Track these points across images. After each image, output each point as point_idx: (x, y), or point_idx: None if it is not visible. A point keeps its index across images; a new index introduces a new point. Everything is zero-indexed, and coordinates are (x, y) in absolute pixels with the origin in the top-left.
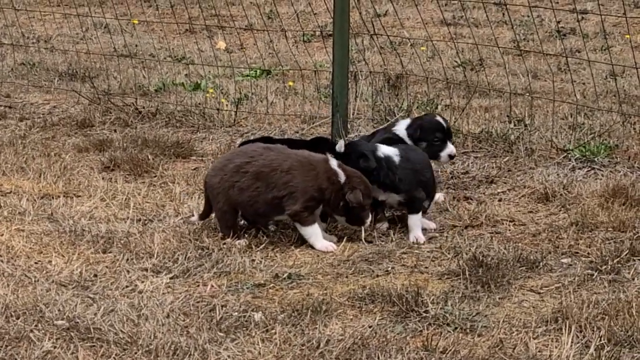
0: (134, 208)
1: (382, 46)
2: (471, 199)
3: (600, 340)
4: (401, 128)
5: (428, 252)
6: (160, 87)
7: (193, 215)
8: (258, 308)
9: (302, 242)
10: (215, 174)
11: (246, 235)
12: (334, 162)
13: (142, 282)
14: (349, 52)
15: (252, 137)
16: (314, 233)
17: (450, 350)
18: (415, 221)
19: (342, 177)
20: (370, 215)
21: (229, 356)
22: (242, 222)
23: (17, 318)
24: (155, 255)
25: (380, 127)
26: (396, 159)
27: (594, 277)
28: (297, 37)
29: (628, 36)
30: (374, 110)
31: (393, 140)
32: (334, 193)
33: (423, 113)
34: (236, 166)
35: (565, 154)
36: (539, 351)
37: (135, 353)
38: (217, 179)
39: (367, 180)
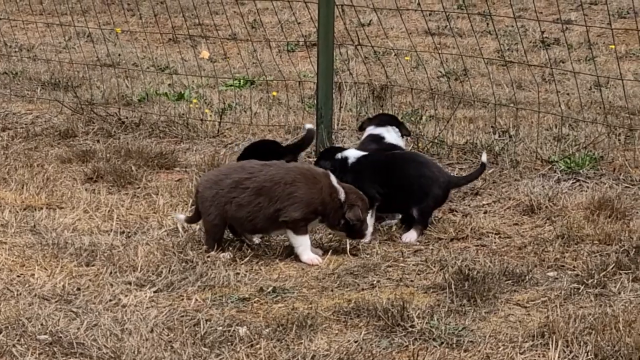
0: (117, 220)
1: (367, 56)
2: (456, 211)
3: (587, 355)
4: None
5: (414, 265)
6: (144, 97)
7: (181, 215)
8: (243, 322)
9: (287, 255)
10: (210, 187)
11: (230, 248)
12: (334, 179)
13: (126, 295)
14: (333, 63)
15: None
16: (304, 244)
17: None
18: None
19: (342, 195)
20: (370, 227)
21: None
22: (228, 234)
23: (0, 333)
24: (139, 269)
25: None
26: (351, 161)
27: (580, 291)
28: (281, 46)
29: (612, 46)
30: (358, 121)
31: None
32: (334, 210)
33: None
34: (234, 182)
35: (551, 166)
36: None
37: None
38: (212, 192)
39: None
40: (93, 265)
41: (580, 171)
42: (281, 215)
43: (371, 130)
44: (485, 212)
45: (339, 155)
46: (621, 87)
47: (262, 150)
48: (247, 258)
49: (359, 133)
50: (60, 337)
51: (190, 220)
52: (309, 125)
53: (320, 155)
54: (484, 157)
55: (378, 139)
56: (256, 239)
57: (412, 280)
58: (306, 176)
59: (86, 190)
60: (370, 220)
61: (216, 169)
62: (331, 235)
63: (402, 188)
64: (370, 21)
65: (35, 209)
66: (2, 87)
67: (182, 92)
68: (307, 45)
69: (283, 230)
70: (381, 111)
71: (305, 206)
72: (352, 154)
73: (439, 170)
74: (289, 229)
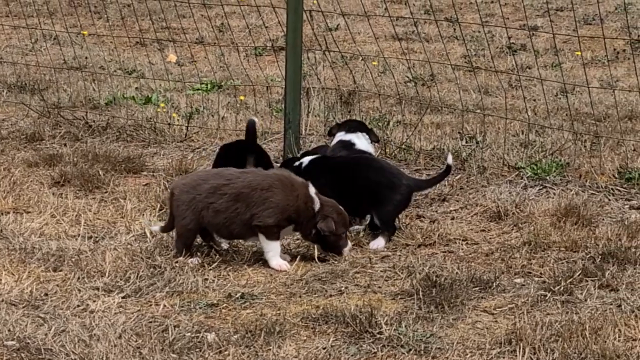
0: (84, 225)
1: (334, 61)
2: (424, 217)
3: None
4: None
5: (381, 271)
6: (111, 100)
7: (155, 225)
8: (211, 328)
9: (255, 260)
10: (187, 191)
11: (199, 254)
12: (312, 189)
13: (94, 301)
14: (301, 67)
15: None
16: (274, 250)
17: None
18: None
19: (317, 205)
20: (349, 244)
21: None
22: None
23: None
24: (106, 274)
25: None
26: (304, 164)
27: (547, 297)
28: (248, 50)
29: (578, 53)
30: (326, 127)
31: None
32: (307, 219)
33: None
34: (212, 187)
35: (518, 172)
36: None
37: None
38: (189, 196)
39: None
40: (61, 271)
41: (547, 177)
42: (255, 219)
43: (341, 136)
44: (452, 219)
45: (297, 162)
46: (587, 94)
47: (232, 152)
48: (216, 264)
49: (328, 138)
50: (28, 343)
51: (165, 229)
52: (253, 118)
53: (282, 164)
54: (450, 159)
55: (348, 145)
56: (224, 245)
57: (379, 287)
58: (283, 183)
59: (53, 194)
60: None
61: (193, 173)
62: (299, 241)
63: (356, 192)
64: (337, 26)
65: (2, 214)
66: None
67: (150, 96)
68: (275, 49)
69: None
70: (349, 116)
71: (279, 212)
72: (307, 158)
73: (397, 175)
74: (261, 233)
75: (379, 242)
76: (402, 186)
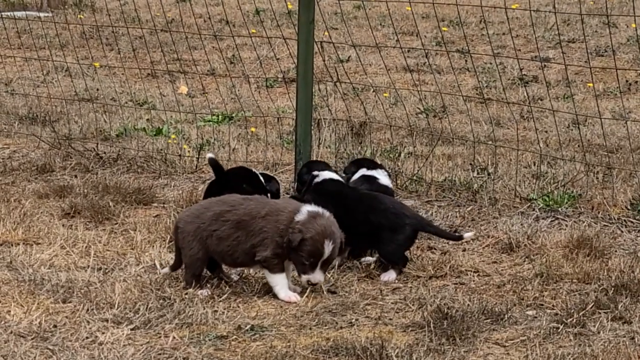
0: (94, 256)
1: (345, 92)
2: (435, 249)
3: None
4: None
5: (392, 303)
6: (122, 132)
7: (164, 267)
8: None
9: (265, 292)
10: (191, 221)
11: (208, 285)
12: (302, 214)
13: (103, 333)
14: (312, 99)
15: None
16: (280, 282)
17: None
18: None
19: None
20: (314, 276)
21: None
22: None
23: None
24: (116, 306)
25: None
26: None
27: (559, 330)
28: (259, 82)
29: (590, 84)
30: (337, 158)
31: None
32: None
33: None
34: (215, 214)
35: (529, 204)
36: None
37: None
38: (193, 226)
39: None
40: (70, 302)
41: (559, 209)
42: (256, 254)
43: (364, 172)
44: (464, 250)
45: (312, 175)
46: (599, 125)
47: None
48: (225, 295)
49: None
50: None
51: (174, 267)
52: (209, 155)
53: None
54: (468, 235)
55: (372, 179)
56: (234, 276)
57: (390, 319)
58: (273, 211)
59: (63, 225)
60: (318, 273)
61: (197, 204)
62: None
63: (359, 230)
64: (349, 57)
65: (12, 245)
66: None
67: (161, 128)
68: (286, 81)
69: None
70: (360, 148)
71: (270, 241)
72: (323, 176)
73: (401, 216)
74: (264, 269)
75: (390, 275)
76: (406, 226)
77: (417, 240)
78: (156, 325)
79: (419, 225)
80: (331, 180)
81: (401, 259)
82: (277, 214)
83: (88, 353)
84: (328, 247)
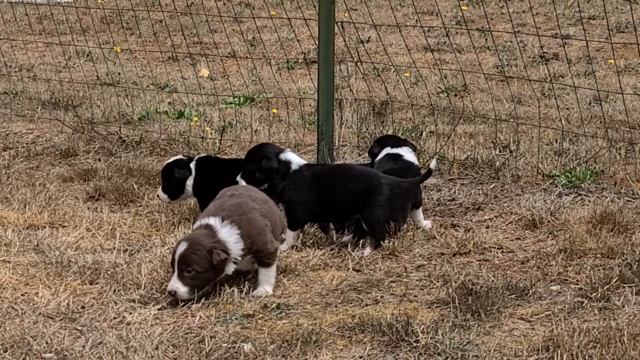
0: (120, 238)
1: (366, 72)
2: (458, 226)
3: None
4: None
5: (417, 280)
6: (144, 115)
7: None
8: (247, 339)
9: (291, 271)
10: None
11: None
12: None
13: (130, 313)
14: (333, 79)
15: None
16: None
17: None
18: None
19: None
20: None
21: None
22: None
23: (5, 351)
24: (142, 286)
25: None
26: (294, 167)
27: (584, 304)
28: (280, 64)
29: (611, 61)
30: (359, 138)
31: None
32: None
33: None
34: None
35: (552, 180)
36: None
37: None
38: None
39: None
40: (97, 284)
41: (582, 185)
42: None
43: (388, 150)
44: (487, 227)
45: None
46: (621, 101)
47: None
48: (251, 275)
49: (360, 150)
50: (66, 355)
51: None
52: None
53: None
54: (433, 164)
55: (396, 157)
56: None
57: (415, 296)
58: None
59: (88, 208)
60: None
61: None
62: (334, 251)
63: (340, 202)
64: (369, 38)
65: (38, 228)
66: (3, 107)
67: (182, 110)
68: (307, 62)
69: None
70: (382, 127)
71: None
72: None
73: (376, 177)
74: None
75: (365, 250)
76: (382, 186)
77: (440, 218)
78: (183, 305)
79: (395, 184)
80: (305, 165)
81: (381, 229)
82: None
83: (116, 333)
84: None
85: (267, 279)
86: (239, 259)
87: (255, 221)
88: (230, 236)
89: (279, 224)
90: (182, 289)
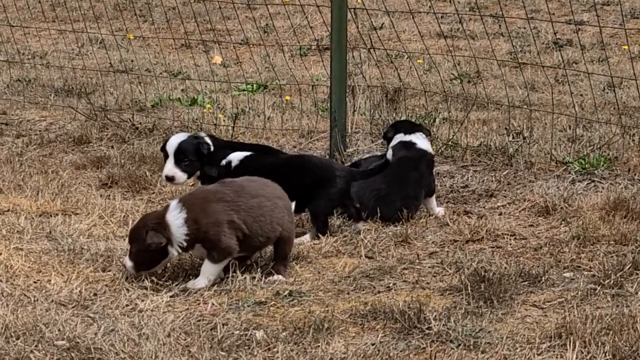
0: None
1: (379, 59)
2: (471, 213)
3: (605, 356)
4: None
5: (429, 267)
6: (157, 102)
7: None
8: (259, 326)
9: (303, 258)
10: None
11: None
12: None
13: (142, 300)
14: (346, 66)
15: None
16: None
17: None
18: None
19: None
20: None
21: None
22: None
23: (17, 338)
24: (155, 274)
25: None
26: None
27: (597, 291)
28: (293, 50)
29: (625, 47)
30: (372, 125)
31: None
32: None
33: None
34: None
35: (565, 167)
36: None
37: None
38: None
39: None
40: (109, 271)
41: (595, 172)
42: None
43: (401, 137)
44: (500, 214)
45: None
46: (635, 88)
47: None
48: (264, 262)
49: (373, 137)
50: (78, 342)
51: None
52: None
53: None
54: (389, 154)
55: (409, 144)
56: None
57: (428, 283)
58: None
59: (101, 196)
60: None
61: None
62: (346, 238)
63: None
64: (382, 24)
65: (51, 215)
66: (16, 94)
67: (195, 98)
68: (320, 49)
69: None
70: (395, 114)
71: None
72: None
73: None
74: None
75: (304, 237)
76: (336, 178)
77: (453, 205)
78: (195, 292)
79: (349, 176)
80: (247, 158)
81: (324, 221)
82: None
83: (128, 320)
84: None
85: (206, 272)
86: (184, 243)
87: (213, 211)
88: (176, 219)
89: (275, 222)
90: (128, 263)
